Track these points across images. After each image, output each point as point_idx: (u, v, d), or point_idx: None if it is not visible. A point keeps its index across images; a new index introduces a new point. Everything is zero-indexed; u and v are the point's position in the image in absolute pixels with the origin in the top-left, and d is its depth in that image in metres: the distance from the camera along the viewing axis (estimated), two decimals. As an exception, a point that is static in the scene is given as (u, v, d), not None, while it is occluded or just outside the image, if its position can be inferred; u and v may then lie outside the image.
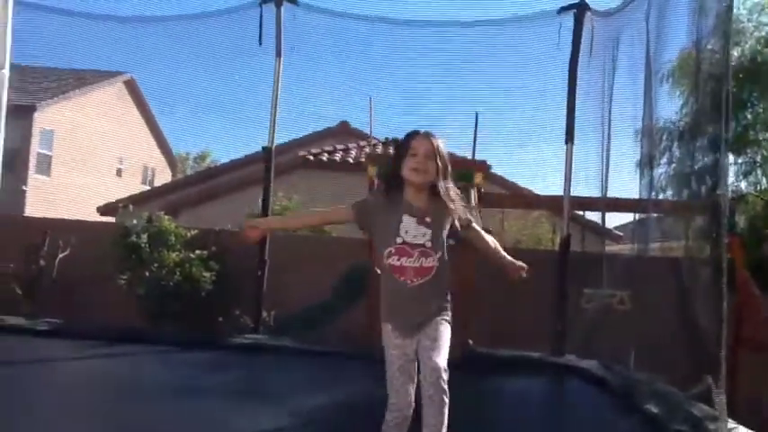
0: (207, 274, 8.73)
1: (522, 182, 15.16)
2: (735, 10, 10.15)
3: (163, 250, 8.75)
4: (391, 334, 2.86)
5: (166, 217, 9.33)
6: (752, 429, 3.19)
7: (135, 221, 9.04)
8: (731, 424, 3.02)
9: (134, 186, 23.12)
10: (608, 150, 5.25)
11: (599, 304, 6.55)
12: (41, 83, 20.24)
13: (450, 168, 2.96)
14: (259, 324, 6.49)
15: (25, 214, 17.39)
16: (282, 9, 6.12)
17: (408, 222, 2.86)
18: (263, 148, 7.46)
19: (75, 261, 9.00)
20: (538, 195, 11.96)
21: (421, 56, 6.32)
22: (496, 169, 12.98)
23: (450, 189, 2.93)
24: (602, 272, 6.65)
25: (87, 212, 17.18)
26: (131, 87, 24.23)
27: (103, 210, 18.91)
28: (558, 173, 6.49)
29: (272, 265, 7.73)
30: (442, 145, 2.94)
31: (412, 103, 7.10)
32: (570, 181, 6.22)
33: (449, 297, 2.97)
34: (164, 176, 27.59)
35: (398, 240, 2.85)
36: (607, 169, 5.30)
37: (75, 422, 2.95)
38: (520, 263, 2.97)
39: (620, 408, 4.06)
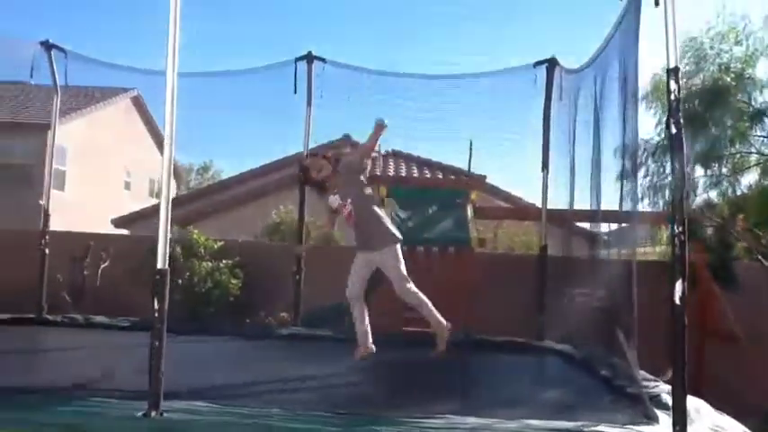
0: (234, 281, 9.88)
1: (516, 191, 16.66)
2: (698, 38, 11.43)
3: (194, 260, 9.89)
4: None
5: (195, 231, 10.47)
6: (721, 410, 3.95)
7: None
8: (654, 383, 4.21)
9: (142, 198, 24.00)
10: (573, 173, 6.49)
11: (580, 302, 7.71)
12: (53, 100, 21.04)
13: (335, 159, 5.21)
14: (297, 319, 7.67)
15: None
16: (313, 65, 7.62)
17: (334, 197, 5.07)
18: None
19: (115, 271, 10.11)
20: (524, 208, 13.16)
21: (423, 97, 7.62)
22: (492, 180, 14.45)
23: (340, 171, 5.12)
24: (584, 273, 7.80)
25: (100, 224, 18.00)
26: (137, 103, 24.97)
27: (117, 222, 19.97)
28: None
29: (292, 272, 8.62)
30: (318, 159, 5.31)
31: (414, 128, 8.28)
32: (547, 200, 7.47)
33: (382, 227, 5.04)
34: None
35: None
36: (572, 187, 6.52)
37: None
38: None
39: (583, 373, 5.39)
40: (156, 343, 3.46)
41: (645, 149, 12.03)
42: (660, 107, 11.73)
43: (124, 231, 18.23)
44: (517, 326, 7.11)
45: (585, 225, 7.39)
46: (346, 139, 18.56)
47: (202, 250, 10.09)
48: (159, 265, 3.59)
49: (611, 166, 4.91)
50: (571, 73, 6.49)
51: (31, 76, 8.16)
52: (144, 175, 26.17)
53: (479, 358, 6.37)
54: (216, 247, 10.25)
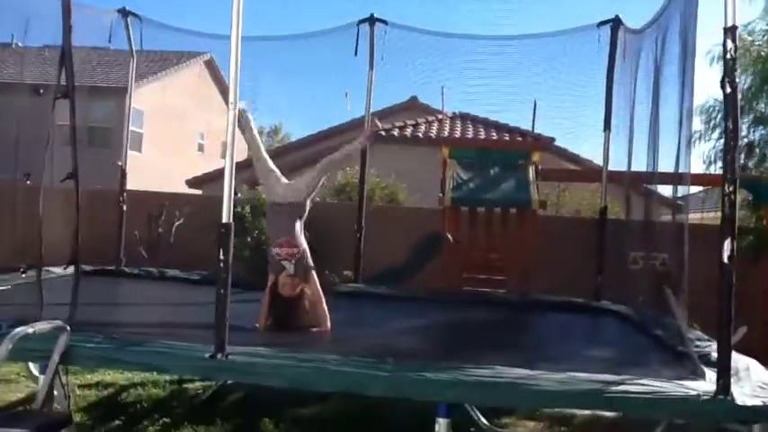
0: (300, 240, 10.18)
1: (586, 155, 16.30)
2: (779, -6, 10.88)
3: (262, 219, 10.22)
4: None
5: (264, 191, 10.79)
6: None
7: (239, 195, 10.52)
8: (707, 343, 4.25)
9: (214, 160, 24.68)
10: (631, 135, 6.40)
11: (644, 265, 7.67)
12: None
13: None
14: (358, 276, 7.94)
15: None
16: (375, 28, 7.71)
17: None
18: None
19: (188, 228, 10.61)
20: (587, 169, 12.99)
21: (486, 59, 7.60)
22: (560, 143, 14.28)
23: None
24: (649, 236, 7.74)
25: (175, 184, 18.62)
26: (210, 66, 25.39)
27: (191, 182, 20.69)
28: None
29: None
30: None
31: (478, 90, 8.27)
32: (608, 160, 7.41)
33: None
34: (239, 149, 29.02)
35: None
36: (630, 150, 6.43)
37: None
38: None
39: (636, 332, 5.52)
40: (222, 291, 3.71)
41: (721, 111, 11.62)
42: (740, 67, 11.27)
43: (197, 191, 18.90)
44: (576, 287, 7.18)
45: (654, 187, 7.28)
46: (413, 100, 18.67)
47: (270, 210, 10.39)
48: (224, 220, 3.81)
49: (674, 127, 4.84)
50: (634, 33, 6.39)
51: (109, 41, 8.54)
52: (217, 138, 26.63)
53: (536, 317, 6.57)
54: (283, 207, 10.54)
